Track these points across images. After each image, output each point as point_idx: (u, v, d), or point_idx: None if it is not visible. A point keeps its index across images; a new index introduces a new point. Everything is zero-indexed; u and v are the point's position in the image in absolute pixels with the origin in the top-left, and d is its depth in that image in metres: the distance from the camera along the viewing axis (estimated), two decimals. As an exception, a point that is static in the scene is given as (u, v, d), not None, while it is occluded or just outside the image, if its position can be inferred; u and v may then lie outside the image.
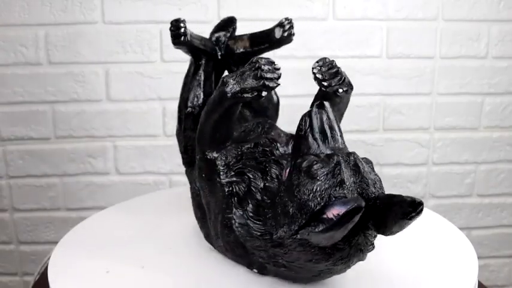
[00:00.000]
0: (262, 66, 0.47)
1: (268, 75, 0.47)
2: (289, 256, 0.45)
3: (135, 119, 1.05)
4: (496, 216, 1.16)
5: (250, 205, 0.48)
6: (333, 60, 0.51)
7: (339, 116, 0.54)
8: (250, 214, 0.47)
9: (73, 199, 1.08)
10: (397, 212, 0.40)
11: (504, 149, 1.13)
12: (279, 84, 0.47)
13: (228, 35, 0.68)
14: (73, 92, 1.03)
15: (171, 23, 0.61)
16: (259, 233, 0.46)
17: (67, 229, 0.67)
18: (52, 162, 1.06)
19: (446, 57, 1.07)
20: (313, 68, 0.51)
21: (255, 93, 0.47)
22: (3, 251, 1.10)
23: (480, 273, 0.56)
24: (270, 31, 0.66)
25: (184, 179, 0.63)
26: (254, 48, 0.67)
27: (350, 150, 0.45)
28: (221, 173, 0.51)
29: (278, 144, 0.52)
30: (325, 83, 0.50)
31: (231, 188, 0.49)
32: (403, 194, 0.41)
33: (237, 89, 0.48)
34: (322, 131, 0.44)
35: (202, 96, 0.62)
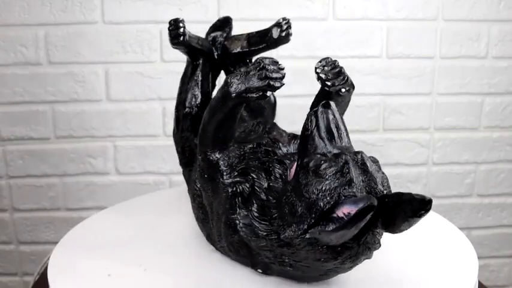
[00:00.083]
0: (267, 66, 0.47)
1: (273, 75, 0.47)
2: (296, 255, 0.45)
3: (135, 119, 1.05)
4: (496, 216, 1.16)
5: (255, 205, 0.48)
6: (336, 60, 0.52)
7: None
8: (256, 214, 0.47)
9: (73, 199, 1.08)
10: (407, 210, 0.40)
11: (504, 149, 1.13)
12: (284, 84, 0.47)
13: (225, 35, 0.68)
14: (73, 92, 1.03)
15: (170, 22, 0.60)
16: (265, 233, 0.46)
17: (67, 229, 0.67)
18: (52, 162, 1.06)
19: (446, 57, 1.07)
20: (316, 68, 0.51)
21: (260, 93, 0.47)
22: (3, 251, 1.10)
23: (480, 273, 0.56)
24: (267, 31, 0.66)
25: (184, 179, 0.63)
26: (251, 48, 0.66)
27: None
28: (224, 173, 0.51)
29: (280, 144, 0.52)
30: (328, 83, 0.51)
31: (234, 188, 0.49)
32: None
33: (242, 89, 0.48)
34: (329, 131, 0.45)
35: (200, 96, 0.62)
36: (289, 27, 0.65)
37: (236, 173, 0.50)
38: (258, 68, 0.47)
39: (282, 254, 0.46)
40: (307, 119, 0.45)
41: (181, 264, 0.55)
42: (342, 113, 0.55)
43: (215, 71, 0.67)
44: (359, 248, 0.43)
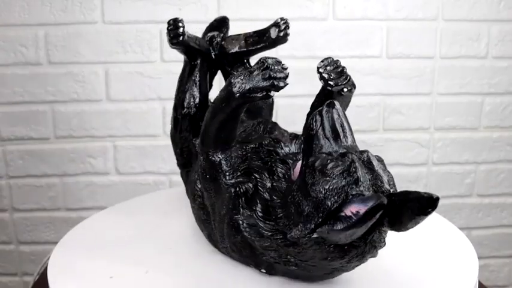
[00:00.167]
0: (271, 66, 0.47)
1: (278, 75, 0.47)
2: (303, 255, 0.45)
3: (135, 119, 1.05)
4: (496, 216, 1.16)
5: (259, 205, 0.48)
6: (338, 60, 0.52)
7: None
8: (260, 214, 0.47)
9: (73, 199, 1.08)
10: (414, 208, 0.41)
11: (504, 149, 1.13)
12: (288, 84, 0.47)
13: (222, 35, 0.68)
14: (73, 92, 1.03)
15: (169, 22, 0.60)
16: (270, 233, 0.46)
17: (67, 229, 0.67)
18: (52, 162, 1.06)
19: (446, 57, 1.07)
20: (318, 68, 0.51)
21: (264, 93, 0.47)
22: (2, 251, 1.10)
23: (480, 273, 0.56)
24: (265, 31, 0.66)
25: (184, 179, 0.63)
26: (249, 48, 0.66)
27: None
28: (227, 173, 0.51)
29: (282, 144, 0.52)
30: (331, 82, 0.51)
31: (237, 189, 0.49)
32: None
33: (246, 89, 0.47)
34: (334, 130, 0.45)
35: (198, 97, 0.62)
36: (287, 27, 0.65)
37: (239, 173, 0.50)
38: (262, 68, 0.47)
39: (287, 254, 0.46)
40: (312, 119, 0.45)
41: (183, 265, 0.55)
42: None
43: (212, 71, 0.67)
44: (366, 246, 0.43)
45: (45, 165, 1.06)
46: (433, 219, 0.68)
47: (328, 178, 0.42)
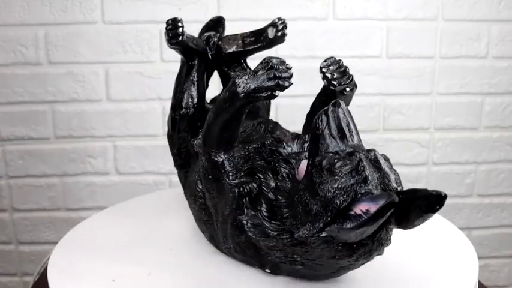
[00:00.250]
0: (276, 66, 0.47)
1: (282, 75, 0.47)
2: (310, 254, 0.45)
3: (135, 119, 1.05)
4: (496, 216, 1.16)
5: (264, 205, 0.48)
6: (340, 60, 0.52)
7: None
8: (265, 214, 0.47)
9: (73, 199, 1.08)
10: (422, 206, 0.41)
11: (504, 149, 1.13)
12: (292, 84, 0.47)
13: (218, 35, 0.68)
14: (73, 92, 1.03)
15: (168, 22, 0.59)
16: (276, 233, 0.46)
17: (67, 229, 0.67)
18: (52, 162, 1.06)
19: (446, 57, 1.07)
20: (322, 67, 0.51)
21: (269, 93, 0.47)
22: (2, 251, 1.10)
23: (480, 273, 0.56)
24: (262, 31, 0.66)
25: (184, 179, 0.63)
26: (246, 48, 0.66)
27: None
28: (230, 174, 0.51)
29: (285, 144, 0.51)
30: (334, 82, 0.51)
31: (241, 189, 0.49)
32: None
33: (251, 88, 0.48)
34: (340, 129, 0.45)
35: (196, 97, 0.62)
36: (284, 27, 0.65)
37: (242, 174, 0.50)
38: (266, 68, 0.47)
39: (294, 253, 0.46)
40: (317, 118, 0.45)
41: (185, 267, 0.55)
42: None
43: (209, 71, 0.67)
44: (373, 244, 0.43)
45: (45, 165, 1.06)
46: (433, 219, 0.68)
47: (336, 177, 0.42)
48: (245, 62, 0.68)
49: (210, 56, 0.66)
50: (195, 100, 0.62)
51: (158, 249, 0.59)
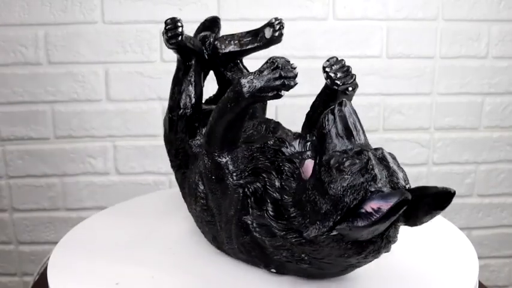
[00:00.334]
0: (281, 66, 0.47)
1: (288, 74, 0.47)
2: (319, 252, 0.45)
3: (135, 119, 1.05)
4: (496, 216, 1.16)
5: (270, 205, 0.48)
6: (343, 59, 0.52)
7: None
8: (271, 214, 0.47)
9: (73, 199, 1.08)
10: (430, 203, 0.42)
11: (504, 149, 1.13)
12: (297, 83, 0.47)
13: (214, 34, 0.67)
14: (73, 92, 1.03)
15: (167, 22, 0.59)
16: (283, 232, 0.46)
17: (67, 229, 0.67)
18: (52, 162, 1.06)
19: (446, 57, 1.07)
20: (325, 67, 0.51)
21: (275, 93, 0.47)
22: (2, 251, 1.10)
23: (480, 273, 0.56)
24: (259, 31, 0.66)
25: (184, 179, 0.63)
26: (242, 48, 0.66)
27: None
28: (234, 174, 0.50)
29: (287, 143, 0.51)
30: (338, 82, 0.51)
31: (246, 189, 0.49)
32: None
33: (256, 88, 0.48)
34: (347, 128, 0.45)
35: (194, 97, 0.61)
36: (281, 27, 0.65)
37: (246, 174, 0.50)
38: (272, 68, 0.47)
39: (302, 252, 0.46)
40: (324, 117, 0.45)
41: (189, 268, 0.54)
42: None
43: (204, 72, 0.66)
44: (382, 242, 0.44)
45: (45, 165, 1.06)
46: (433, 219, 0.68)
47: (346, 176, 0.42)
48: (241, 62, 0.68)
49: (206, 56, 0.65)
50: (193, 100, 0.61)
51: (159, 249, 0.59)
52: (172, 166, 0.64)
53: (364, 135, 0.46)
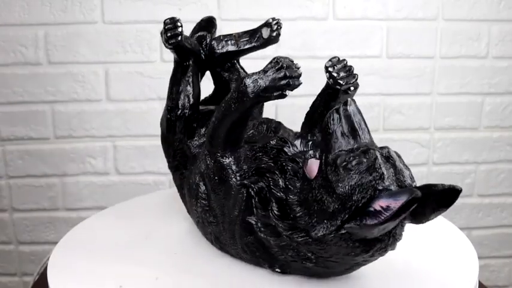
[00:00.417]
0: (286, 65, 0.47)
1: (293, 74, 0.47)
2: (326, 251, 0.45)
3: (135, 119, 1.05)
4: (496, 216, 1.16)
5: (275, 204, 0.48)
6: (345, 59, 0.52)
7: None
8: (277, 213, 0.47)
9: (73, 199, 1.08)
10: (437, 200, 0.42)
11: (504, 149, 1.13)
12: (301, 83, 0.47)
13: (210, 35, 0.67)
14: (73, 92, 1.03)
15: (166, 22, 0.58)
16: (289, 232, 0.46)
17: (67, 229, 0.67)
18: (52, 162, 1.06)
19: (446, 57, 1.07)
20: (328, 67, 0.51)
21: (279, 92, 0.47)
22: (2, 251, 1.10)
23: (480, 273, 0.56)
24: (256, 31, 0.65)
25: (184, 179, 0.63)
26: (239, 48, 0.65)
27: None
28: (237, 174, 0.50)
29: (289, 143, 0.51)
30: (341, 81, 0.51)
31: (249, 189, 0.49)
32: None
33: (261, 88, 0.48)
34: (352, 127, 0.45)
35: (192, 97, 0.61)
36: (279, 27, 0.65)
37: (250, 174, 0.50)
38: (277, 68, 0.47)
39: (308, 251, 0.46)
40: (329, 117, 0.45)
41: (192, 270, 0.54)
42: None
43: (201, 72, 0.66)
44: (389, 239, 0.44)
45: (45, 165, 1.06)
46: (433, 219, 0.68)
47: (353, 175, 0.42)
48: (238, 62, 0.68)
49: (203, 57, 0.65)
50: (192, 101, 0.61)
51: (159, 249, 0.59)
52: (170, 167, 0.64)
53: (369, 134, 0.46)
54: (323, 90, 0.54)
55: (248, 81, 0.48)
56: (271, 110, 1.04)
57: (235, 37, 0.66)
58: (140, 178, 1.08)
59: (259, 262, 0.52)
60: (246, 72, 0.67)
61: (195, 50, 0.63)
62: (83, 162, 1.06)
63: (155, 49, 1.03)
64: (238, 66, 0.67)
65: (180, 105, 0.61)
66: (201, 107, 0.63)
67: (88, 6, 1.00)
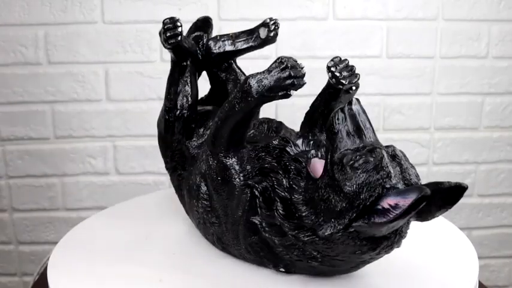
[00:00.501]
0: (290, 65, 0.47)
1: (297, 74, 0.47)
2: (332, 250, 0.45)
3: (135, 119, 1.05)
4: (496, 216, 1.16)
5: (280, 204, 0.48)
6: (346, 59, 0.52)
7: None
8: (282, 213, 0.47)
9: (73, 199, 1.08)
10: (444, 198, 0.43)
11: (504, 149, 1.13)
12: (305, 83, 0.47)
13: (207, 35, 0.67)
14: (73, 92, 1.03)
15: (166, 22, 0.58)
16: (295, 231, 0.46)
17: (67, 229, 0.67)
18: (52, 162, 1.06)
19: (446, 57, 1.07)
20: (330, 67, 0.51)
21: (284, 92, 0.47)
22: (2, 251, 1.10)
23: (480, 273, 0.56)
24: (253, 31, 0.65)
25: (184, 179, 0.63)
26: (237, 48, 0.65)
27: None
28: (241, 175, 0.50)
29: (292, 143, 0.51)
30: (343, 81, 0.51)
31: (253, 190, 0.49)
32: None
33: (266, 88, 0.47)
34: (357, 127, 0.45)
35: (191, 98, 0.61)
36: (276, 27, 0.64)
37: (254, 174, 0.50)
38: (281, 67, 0.47)
39: (314, 250, 0.46)
40: (334, 116, 0.45)
41: (195, 270, 0.54)
42: None
43: (198, 72, 0.66)
44: (395, 237, 0.44)
45: (44, 165, 1.06)
46: (434, 219, 0.68)
47: (360, 173, 0.42)
48: (235, 62, 0.67)
49: (200, 57, 0.65)
50: (190, 101, 0.61)
51: (159, 250, 0.59)
52: (168, 168, 0.64)
53: (374, 134, 0.47)
54: (324, 89, 0.54)
55: (252, 81, 0.48)
56: (271, 109, 1.04)
57: (232, 37, 0.65)
58: (140, 178, 1.08)
59: (263, 262, 0.52)
60: (243, 73, 0.66)
61: (193, 50, 0.63)
62: (83, 162, 1.06)
63: (155, 49, 1.03)
64: (235, 67, 0.67)
65: (178, 105, 0.61)
66: (198, 108, 0.63)
67: (88, 6, 1.00)
